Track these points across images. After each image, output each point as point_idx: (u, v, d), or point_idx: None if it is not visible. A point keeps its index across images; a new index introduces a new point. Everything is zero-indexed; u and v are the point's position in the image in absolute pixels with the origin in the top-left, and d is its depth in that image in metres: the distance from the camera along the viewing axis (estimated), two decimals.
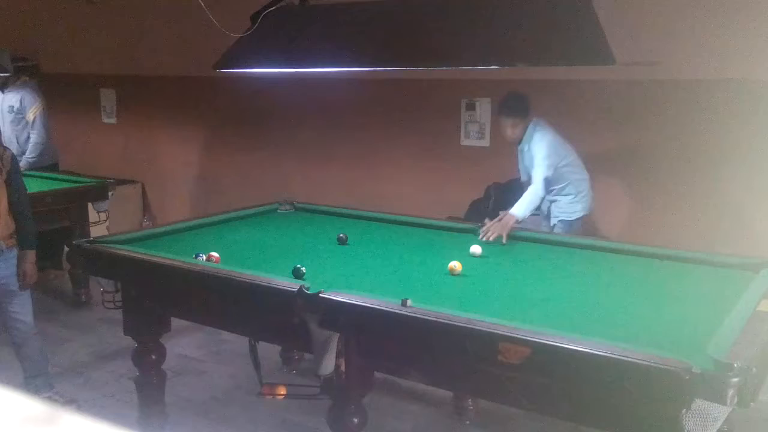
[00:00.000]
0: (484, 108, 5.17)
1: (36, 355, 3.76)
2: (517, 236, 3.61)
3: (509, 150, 4.36)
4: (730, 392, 1.82)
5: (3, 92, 5.98)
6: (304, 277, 2.78)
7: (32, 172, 5.45)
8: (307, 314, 2.53)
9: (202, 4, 3.53)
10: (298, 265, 2.83)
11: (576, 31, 2.82)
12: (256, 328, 3.08)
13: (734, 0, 4.15)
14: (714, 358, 1.92)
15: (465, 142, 5.26)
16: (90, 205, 5.29)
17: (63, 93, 7.13)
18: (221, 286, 2.85)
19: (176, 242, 3.49)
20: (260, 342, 3.39)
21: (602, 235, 4.39)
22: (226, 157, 6.64)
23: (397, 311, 2.36)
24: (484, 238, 3.52)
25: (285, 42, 3.50)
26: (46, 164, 5.93)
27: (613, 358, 1.96)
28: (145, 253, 3.16)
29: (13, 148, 5.61)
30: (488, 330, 2.18)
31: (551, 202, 4.20)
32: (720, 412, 1.92)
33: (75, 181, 5.43)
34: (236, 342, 4.26)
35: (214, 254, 3.11)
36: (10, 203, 3.60)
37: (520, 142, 4.13)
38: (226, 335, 4.50)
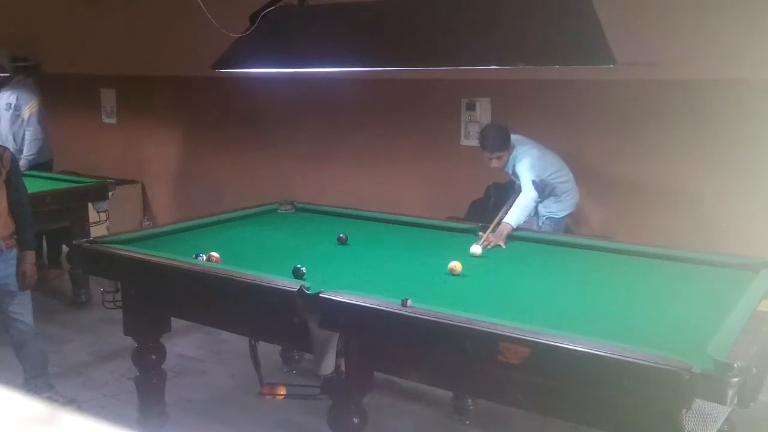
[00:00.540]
0: (484, 108, 5.16)
1: (36, 355, 3.76)
2: (517, 236, 3.61)
3: None
4: (730, 392, 1.82)
5: (0, 91, 6.03)
6: (304, 277, 2.78)
7: (32, 172, 5.45)
8: (307, 314, 2.53)
9: (201, 4, 3.53)
10: (298, 265, 2.83)
11: (576, 31, 2.83)
12: (256, 328, 3.08)
13: (734, 0, 4.15)
14: (714, 358, 1.92)
15: (465, 142, 5.25)
16: (90, 205, 5.29)
17: (63, 93, 7.13)
18: (221, 286, 2.85)
19: (176, 242, 3.49)
20: (260, 342, 3.39)
21: (602, 235, 4.39)
22: (226, 157, 6.64)
23: (397, 311, 2.36)
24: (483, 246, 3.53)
25: (284, 42, 3.50)
26: (42, 161, 6.00)
27: (613, 358, 1.96)
28: (145, 253, 3.16)
29: (10, 145, 5.69)
30: (488, 330, 2.18)
31: (538, 202, 4.25)
32: (720, 412, 1.92)
33: (75, 181, 5.43)
34: (236, 342, 4.26)
35: (214, 254, 3.11)
36: (10, 203, 3.60)
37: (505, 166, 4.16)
38: (226, 335, 4.50)
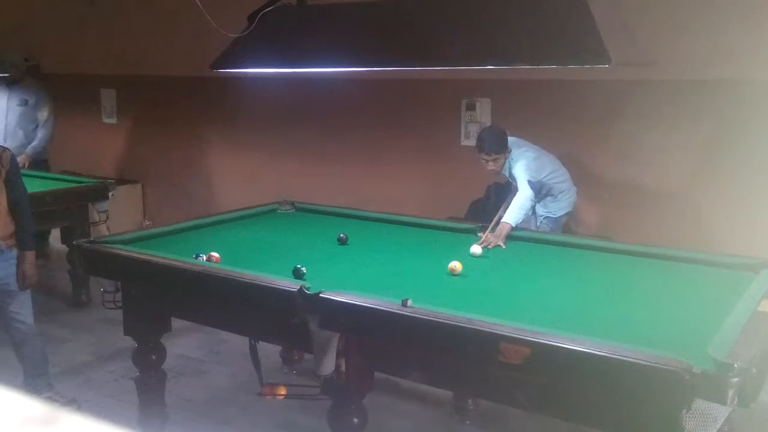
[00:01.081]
0: (484, 108, 5.16)
1: (36, 355, 3.76)
2: (517, 237, 3.61)
3: None
4: (731, 392, 1.82)
5: (10, 88, 6.12)
6: (304, 277, 2.78)
7: (32, 172, 5.44)
8: (307, 314, 2.53)
9: (200, 4, 3.53)
10: (298, 265, 2.83)
11: (572, 31, 2.83)
12: (256, 328, 3.08)
13: (733, 0, 4.15)
14: (714, 358, 1.92)
15: (465, 142, 5.25)
16: (90, 205, 5.29)
17: (63, 93, 7.12)
18: (221, 286, 2.85)
19: (176, 242, 3.49)
20: (260, 342, 3.39)
21: (602, 235, 4.39)
22: (226, 157, 6.64)
23: (397, 311, 2.36)
24: (483, 247, 3.53)
25: (282, 42, 3.50)
26: (44, 158, 6.16)
27: (613, 358, 1.96)
28: (145, 253, 3.16)
29: (19, 137, 5.85)
30: (488, 330, 2.18)
31: (535, 202, 4.26)
32: (720, 412, 1.93)
33: (75, 181, 5.43)
34: (236, 342, 4.26)
35: (214, 254, 3.11)
36: (10, 203, 3.60)
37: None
38: (226, 335, 4.49)
